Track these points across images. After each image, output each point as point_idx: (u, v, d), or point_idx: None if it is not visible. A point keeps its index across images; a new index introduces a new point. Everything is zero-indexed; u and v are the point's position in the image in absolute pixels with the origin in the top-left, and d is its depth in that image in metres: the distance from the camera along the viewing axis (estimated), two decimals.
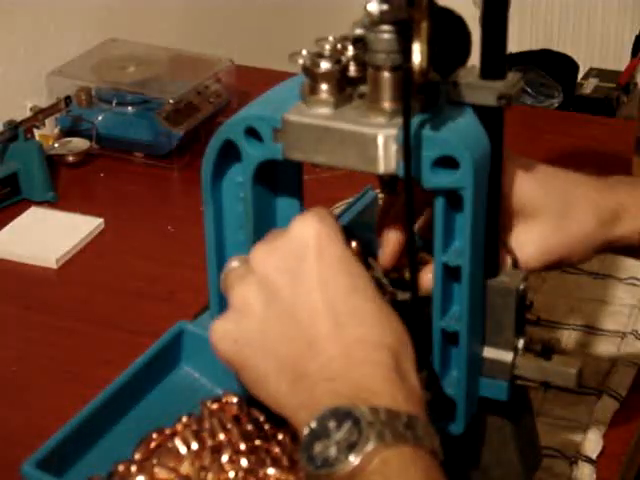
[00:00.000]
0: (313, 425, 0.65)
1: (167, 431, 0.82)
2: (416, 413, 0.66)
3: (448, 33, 0.72)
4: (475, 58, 0.76)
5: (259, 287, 0.71)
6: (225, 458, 0.79)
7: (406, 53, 0.69)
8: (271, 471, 0.78)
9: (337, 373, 0.67)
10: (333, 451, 0.63)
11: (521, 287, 0.80)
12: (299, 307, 0.69)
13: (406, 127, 0.70)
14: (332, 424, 0.64)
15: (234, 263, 0.75)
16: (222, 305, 0.85)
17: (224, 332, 0.72)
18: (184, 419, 0.83)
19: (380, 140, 0.72)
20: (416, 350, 0.74)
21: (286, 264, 0.70)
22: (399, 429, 0.64)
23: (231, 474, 0.78)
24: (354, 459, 0.63)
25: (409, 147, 0.70)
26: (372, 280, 0.72)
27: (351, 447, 0.63)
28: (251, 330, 0.70)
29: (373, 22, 0.71)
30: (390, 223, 0.83)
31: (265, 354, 0.70)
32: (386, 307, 0.71)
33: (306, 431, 0.65)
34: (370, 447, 0.63)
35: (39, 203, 1.42)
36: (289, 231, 0.72)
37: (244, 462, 0.79)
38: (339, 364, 0.67)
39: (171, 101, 1.51)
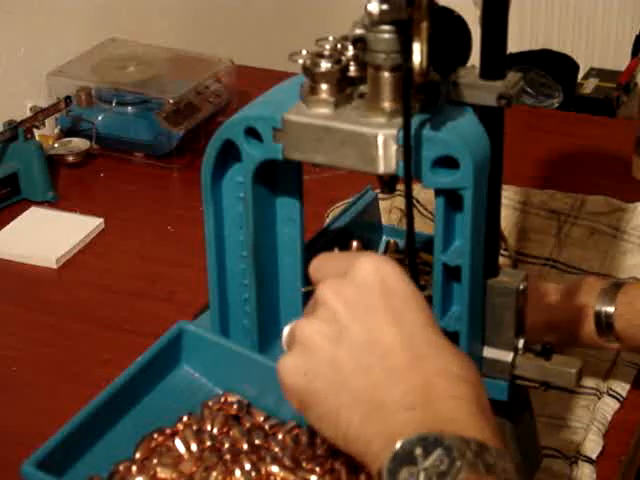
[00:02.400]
0: (398, 449, 0.63)
1: (168, 431, 0.82)
2: (502, 450, 0.65)
3: (448, 32, 0.72)
4: (475, 58, 0.76)
5: (329, 321, 0.69)
6: (228, 457, 0.79)
7: (406, 53, 0.69)
8: (275, 469, 0.78)
9: (419, 403, 0.65)
10: (422, 478, 0.62)
11: (521, 287, 0.80)
12: (374, 341, 0.68)
13: (406, 127, 0.70)
14: (419, 451, 0.62)
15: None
16: (222, 305, 0.86)
17: (293, 366, 0.69)
18: (185, 418, 0.83)
19: (380, 140, 0.73)
20: None
21: (356, 299, 0.69)
22: (490, 462, 0.62)
23: (237, 473, 0.78)
24: None
25: (409, 147, 0.70)
26: None
27: (442, 475, 0.61)
28: (321, 363, 0.68)
29: (373, 22, 0.71)
30: None
31: (337, 386, 0.68)
32: (455, 344, 0.70)
33: (388, 455, 0.63)
34: (463, 476, 0.61)
35: (39, 203, 1.42)
36: (354, 266, 0.70)
37: (246, 461, 0.79)
38: (421, 395, 0.66)
39: (171, 101, 1.51)
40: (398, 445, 0.63)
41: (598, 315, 0.98)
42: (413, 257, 0.75)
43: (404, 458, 0.63)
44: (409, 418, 0.65)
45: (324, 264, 0.73)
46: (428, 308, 0.70)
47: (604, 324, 0.98)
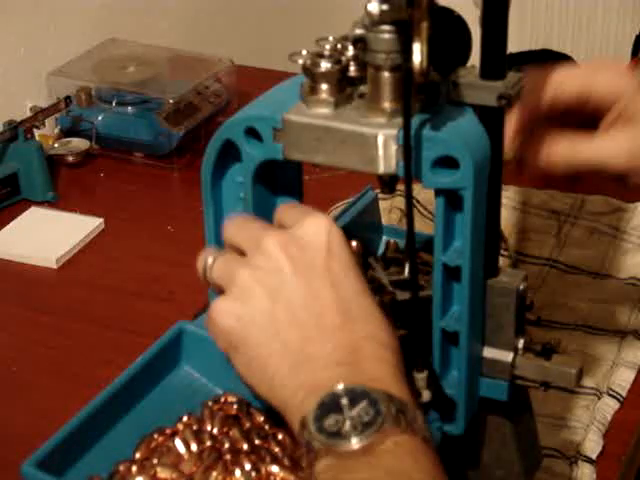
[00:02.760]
0: (325, 398, 0.67)
1: (168, 431, 0.82)
2: (420, 412, 0.69)
3: (448, 32, 0.72)
4: (475, 58, 0.76)
5: (271, 273, 0.72)
6: (228, 457, 0.79)
7: (406, 53, 0.69)
8: (275, 469, 0.78)
9: (347, 361, 0.69)
10: (347, 425, 0.65)
11: (521, 287, 0.80)
12: (311, 299, 0.71)
13: (406, 127, 0.70)
14: (345, 401, 0.66)
15: (210, 257, 0.77)
16: None
17: (228, 309, 0.73)
18: (185, 418, 0.83)
19: (380, 140, 0.73)
20: (416, 350, 0.75)
21: (301, 256, 0.72)
22: (410, 419, 0.66)
23: (237, 473, 0.78)
24: (370, 436, 0.65)
25: (409, 147, 0.70)
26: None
27: (367, 425, 0.65)
28: (258, 310, 0.72)
29: (373, 22, 0.71)
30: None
31: (269, 335, 0.71)
32: (384, 314, 0.74)
33: (314, 403, 0.67)
34: (386, 427, 0.65)
35: (39, 203, 1.42)
36: (303, 225, 0.74)
37: (246, 461, 0.79)
38: (349, 354, 0.70)
39: (171, 101, 1.51)
40: (325, 393, 0.67)
41: None
42: (413, 257, 0.75)
43: (330, 406, 0.66)
44: (336, 373, 0.68)
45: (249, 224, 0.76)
46: (364, 278, 0.74)
47: None
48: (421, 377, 0.76)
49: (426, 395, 0.77)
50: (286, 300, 0.72)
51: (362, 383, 0.67)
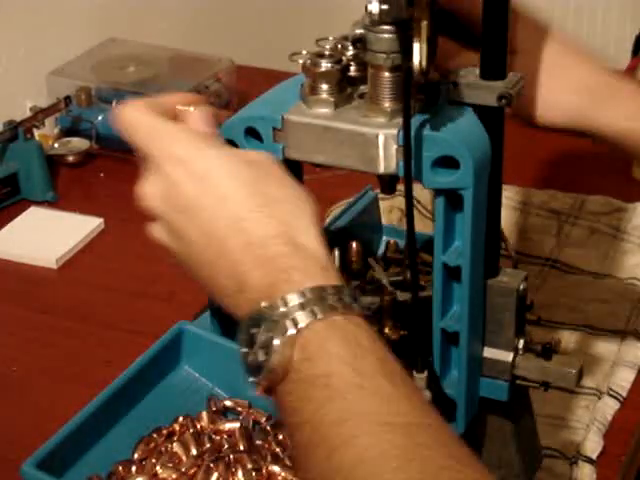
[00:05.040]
0: (242, 336, 0.65)
1: (164, 431, 0.82)
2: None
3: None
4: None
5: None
6: (229, 458, 0.79)
7: (406, 53, 0.69)
8: (276, 468, 0.78)
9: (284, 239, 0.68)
10: (261, 356, 0.63)
11: (521, 287, 0.80)
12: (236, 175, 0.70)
13: (406, 127, 0.70)
14: (254, 330, 0.64)
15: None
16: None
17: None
18: (180, 419, 0.83)
19: (380, 140, 0.73)
20: (416, 351, 0.75)
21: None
22: (328, 302, 0.64)
23: (239, 473, 0.78)
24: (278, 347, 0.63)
25: (409, 147, 0.70)
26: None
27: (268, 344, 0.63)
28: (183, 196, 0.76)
29: (373, 22, 0.71)
30: None
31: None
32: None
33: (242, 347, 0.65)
34: (291, 332, 0.63)
35: (39, 203, 1.42)
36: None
37: (247, 461, 0.79)
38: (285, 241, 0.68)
39: None
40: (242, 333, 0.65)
41: None
42: (413, 257, 0.75)
43: (247, 343, 0.65)
44: (283, 249, 0.67)
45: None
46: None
47: None
48: (421, 378, 0.76)
49: (426, 395, 0.76)
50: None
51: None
